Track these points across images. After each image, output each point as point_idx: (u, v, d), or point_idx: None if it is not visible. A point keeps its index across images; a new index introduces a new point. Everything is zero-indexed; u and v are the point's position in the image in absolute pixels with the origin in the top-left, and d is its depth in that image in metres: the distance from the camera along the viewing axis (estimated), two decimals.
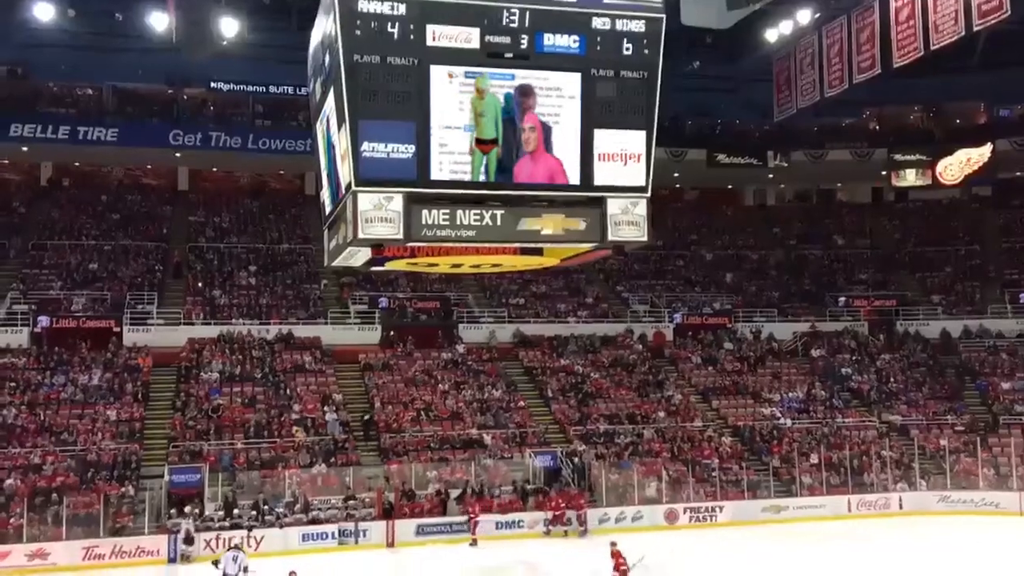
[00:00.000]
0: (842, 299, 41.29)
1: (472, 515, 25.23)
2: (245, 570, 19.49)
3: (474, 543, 24.78)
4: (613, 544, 19.29)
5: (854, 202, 49.70)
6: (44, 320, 32.24)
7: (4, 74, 38.64)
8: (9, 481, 25.01)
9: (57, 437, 27.30)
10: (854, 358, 37.84)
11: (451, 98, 9.17)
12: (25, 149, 37.46)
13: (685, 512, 27.78)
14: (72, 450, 26.79)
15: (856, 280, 43.50)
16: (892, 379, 36.32)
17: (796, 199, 50.54)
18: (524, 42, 9.22)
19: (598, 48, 9.38)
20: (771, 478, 29.36)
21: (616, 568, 18.57)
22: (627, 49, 9.44)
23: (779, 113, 32.04)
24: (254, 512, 25.27)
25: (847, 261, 45.04)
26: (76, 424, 27.96)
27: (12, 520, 23.77)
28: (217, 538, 23.82)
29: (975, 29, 21.93)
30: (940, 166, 42.52)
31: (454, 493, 27.05)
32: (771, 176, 45.56)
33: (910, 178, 43.88)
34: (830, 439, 31.64)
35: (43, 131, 35.86)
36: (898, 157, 43.43)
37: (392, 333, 34.96)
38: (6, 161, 40.22)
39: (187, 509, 24.85)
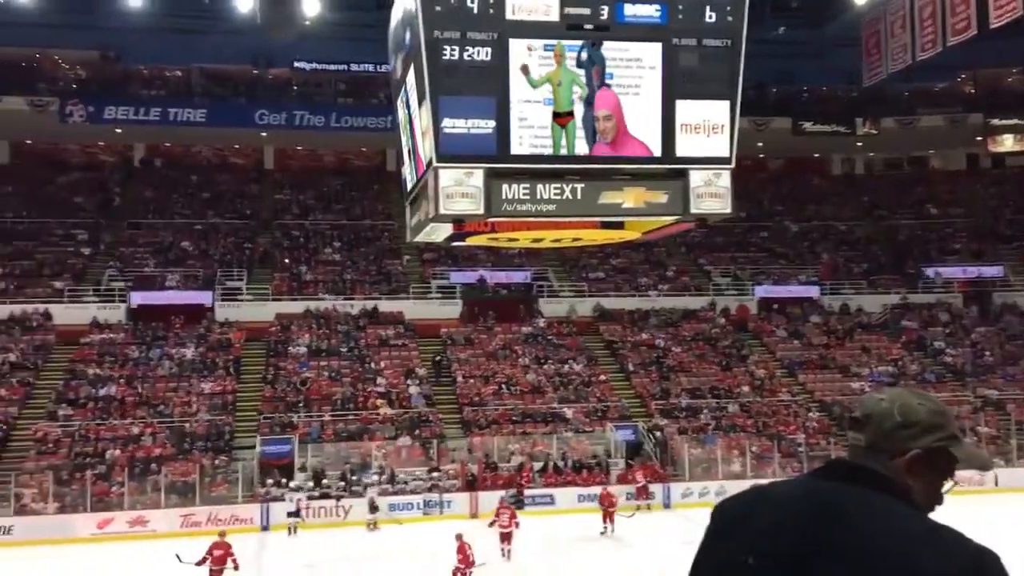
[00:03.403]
0: (935, 270, 39.95)
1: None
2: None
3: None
4: (459, 537, 18.36)
5: (948, 169, 47.89)
6: (139, 296, 33.47)
7: (98, 59, 39.98)
8: (111, 451, 26.15)
9: (154, 409, 28.40)
10: (947, 331, 36.68)
11: (531, 71, 9.10)
12: (119, 131, 38.72)
13: None
14: (169, 422, 27.85)
15: (950, 251, 42.04)
16: (988, 352, 35.10)
17: (886, 167, 48.90)
18: (604, 12, 9.08)
19: (680, 16, 9.17)
20: None
21: (462, 561, 17.86)
22: (710, 16, 9.21)
23: (868, 78, 31.05)
24: (342, 483, 25.90)
25: (940, 231, 43.52)
26: (172, 397, 29.05)
27: (114, 489, 24.89)
28: (308, 507, 24.60)
29: None
30: None
31: (536, 466, 27.28)
32: (860, 144, 44.21)
33: (1007, 143, 42.08)
34: None
35: (135, 113, 37.01)
36: (995, 122, 41.66)
37: (475, 308, 35.32)
38: (101, 143, 41.67)
39: (374, 479, 25.89)
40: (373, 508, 24.33)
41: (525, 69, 8.92)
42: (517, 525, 21.15)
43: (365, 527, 24.00)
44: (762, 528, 1.75)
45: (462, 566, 17.79)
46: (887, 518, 1.71)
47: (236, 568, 17.68)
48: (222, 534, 18.28)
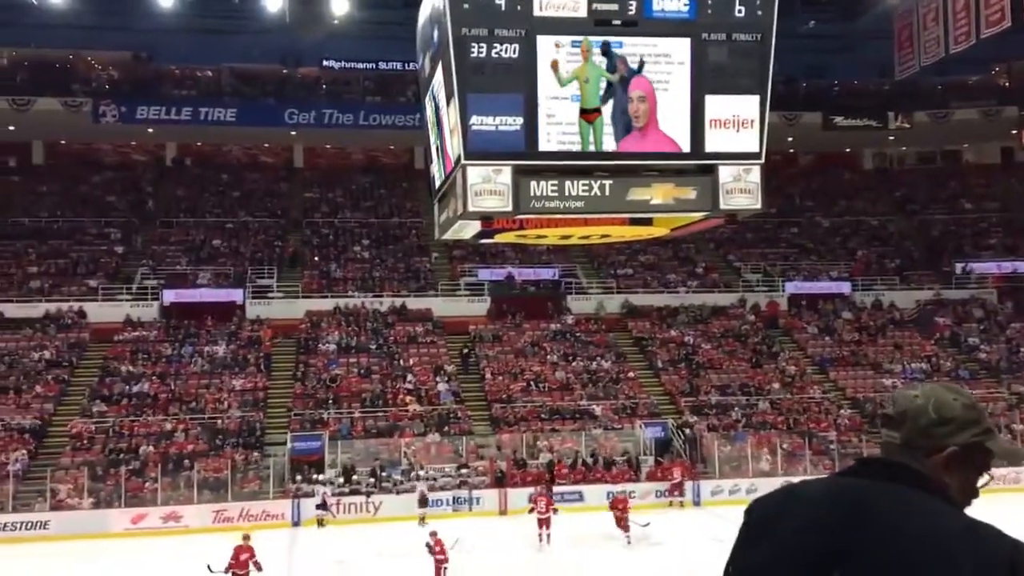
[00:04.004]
0: (969, 265, 39.41)
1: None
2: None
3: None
4: (434, 534, 18.67)
5: (982, 163, 47.19)
6: (171, 294, 33.84)
7: (130, 59, 40.43)
8: (144, 448, 26.46)
9: (187, 406, 28.69)
10: (981, 327, 36.18)
11: (560, 68, 9.08)
12: (151, 131, 39.13)
13: None
14: (201, 418, 28.14)
15: (984, 245, 41.45)
16: (1023, 349, 34.56)
17: (919, 161, 48.31)
18: (632, 8, 9.03)
19: (709, 11, 9.11)
20: None
21: (440, 553, 18.17)
22: (739, 11, 9.14)
23: (900, 72, 30.73)
24: (372, 479, 26.04)
25: (974, 225, 42.91)
26: (204, 393, 29.33)
27: (147, 484, 25.19)
28: (338, 502, 24.79)
29: None
30: None
31: (566, 463, 27.25)
32: (892, 138, 43.71)
33: None
34: None
35: (167, 113, 37.41)
36: None
37: (503, 305, 35.37)
38: (134, 143, 42.13)
39: (421, 473, 26.18)
40: (423, 502, 24.52)
41: (555, 65, 8.90)
42: (555, 511, 21.98)
43: (417, 521, 24.08)
44: (794, 527, 1.74)
45: (441, 557, 18.21)
46: (923, 515, 1.70)
47: (259, 570, 17.86)
48: (246, 537, 18.42)
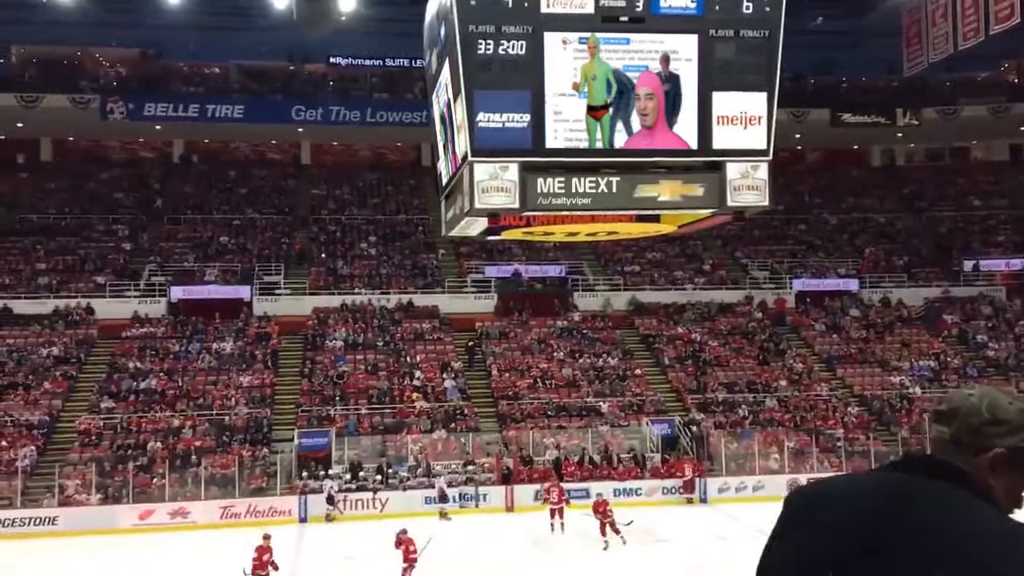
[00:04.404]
0: (977, 263, 39.26)
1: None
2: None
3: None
4: (403, 532, 18.50)
5: (990, 160, 47.02)
6: (179, 291, 33.91)
7: (138, 56, 40.51)
8: (152, 444, 26.53)
9: (194, 402, 28.75)
10: (990, 325, 36.05)
11: (565, 65, 9.08)
12: (158, 127, 39.15)
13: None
14: (209, 414, 28.20)
15: (993, 243, 41.28)
16: None
17: (927, 158, 48.13)
18: (640, 4, 9.02)
19: (717, 7, 9.09)
20: (901, 449, 28.36)
21: (405, 557, 18.07)
22: (747, 7, 9.12)
23: (909, 68, 30.60)
24: (379, 475, 26.07)
25: (983, 223, 42.75)
26: (212, 390, 29.40)
27: (155, 480, 25.27)
28: (345, 499, 24.85)
29: None
30: None
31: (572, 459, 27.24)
32: (900, 135, 43.53)
33: None
34: None
35: (174, 110, 37.45)
36: None
37: (510, 303, 35.37)
38: (141, 140, 42.19)
39: (439, 468, 26.31)
40: (443, 498, 24.62)
41: (576, 86, 8.93)
42: (567, 502, 22.54)
43: (438, 516, 24.19)
44: (821, 526, 1.72)
45: (414, 556, 18.19)
46: (961, 513, 1.67)
47: (276, 569, 17.96)
48: (267, 537, 18.45)
